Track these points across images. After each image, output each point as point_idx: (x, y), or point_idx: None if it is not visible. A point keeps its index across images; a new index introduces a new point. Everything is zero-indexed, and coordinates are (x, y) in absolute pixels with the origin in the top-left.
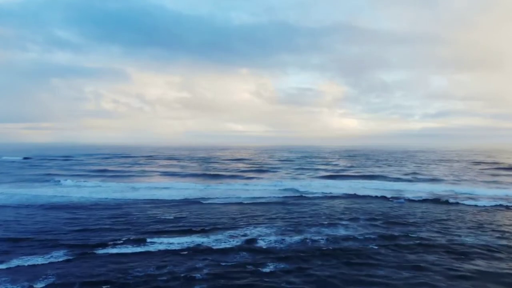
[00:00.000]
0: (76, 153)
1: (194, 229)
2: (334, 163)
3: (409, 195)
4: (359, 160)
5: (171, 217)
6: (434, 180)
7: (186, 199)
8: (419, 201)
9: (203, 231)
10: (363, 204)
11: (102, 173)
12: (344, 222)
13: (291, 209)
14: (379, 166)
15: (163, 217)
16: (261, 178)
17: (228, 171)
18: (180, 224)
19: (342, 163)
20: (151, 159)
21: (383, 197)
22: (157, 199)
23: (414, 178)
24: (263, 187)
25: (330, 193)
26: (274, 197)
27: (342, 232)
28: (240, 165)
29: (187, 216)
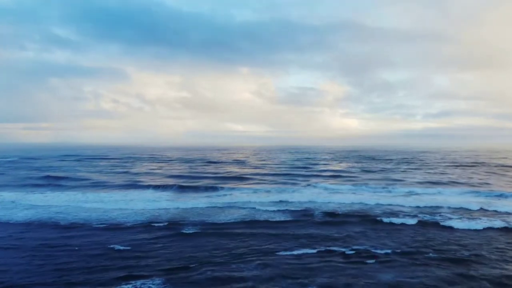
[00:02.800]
0: (59, 154)
1: (150, 275)
2: (339, 166)
3: (448, 214)
4: (366, 162)
5: (129, 247)
6: (467, 191)
7: (151, 221)
8: (474, 229)
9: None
10: (394, 231)
11: (48, 181)
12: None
13: (300, 240)
14: (393, 171)
15: (116, 248)
16: (257, 186)
17: (218, 178)
18: (131, 263)
19: (348, 165)
20: (135, 161)
21: (419, 221)
22: (113, 222)
23: (444, 187)
24: (258, 201)
25: (341, 209)
26: (272, 219)
27: None
28: (235, 169)
29: (143, 251)
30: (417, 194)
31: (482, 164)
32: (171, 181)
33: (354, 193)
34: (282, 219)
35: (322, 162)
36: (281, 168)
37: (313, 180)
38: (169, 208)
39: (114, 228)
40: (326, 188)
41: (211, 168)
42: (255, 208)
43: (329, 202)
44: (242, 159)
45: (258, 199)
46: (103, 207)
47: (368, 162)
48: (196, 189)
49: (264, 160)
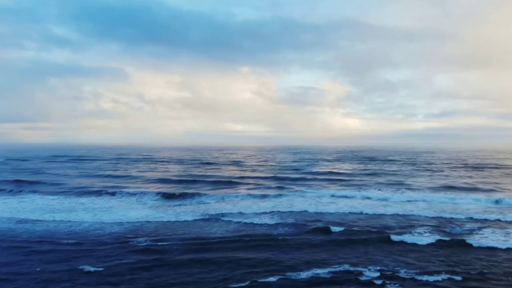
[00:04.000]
0: (51, 154)
1: None
2: (342, 168)
3: (473, 226)
4: (370, 164)
5: (101, 269)
6: (488, 198)
7: (129, 237)
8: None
9: None
10: (415, 250)
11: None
12: None
13: (306, 262)
14: (399, 173)
15: (86, 270)
16: (255, 192)
17: (211, 183)
18: None
19: (351, 167)
20: (127, 162)
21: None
22: (85, 236)
23: (460, 193)
24: (255, 211)
25: (349, 219)
26: (271, 234)
27: None
28: (231, 172)
29: (115, 281)
30: (432, 201)
31: (493, 165)
32: (158, 187)
33: (361, 199)
34: (282, 233)
35: (324, 164)
36: (281, 170)
37: (316, 183)
38: (151, 221)
39: (84, 245)
40: (330, 195)
41: (205, 171)
42: (251, 220)
43: (335, 212)
44: (241, 160)
45: (255, 208)
46: (75, 217)
47: (372, 164)
48: (184, 196)
49: (263, 162)
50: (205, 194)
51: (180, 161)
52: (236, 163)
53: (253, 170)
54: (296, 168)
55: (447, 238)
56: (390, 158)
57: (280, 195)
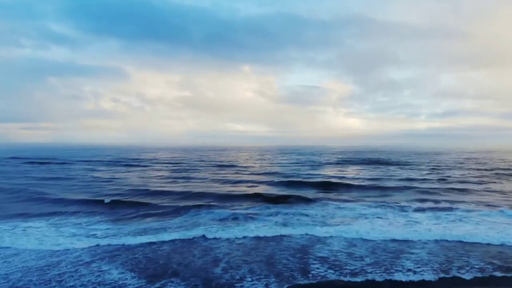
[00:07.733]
0: (8, 156)
1: None
2: (356, 176)
3: None
4: (382, 168)
5: None
6: None
7: None
8: None
9: None
10: None
11: None
12: None
13: None
14: (427, 184)
15: None
16: (234, 226)
17: (169, 209)
18: None
19: (367, 174)
20: (88, 167)
21: None
22: None
23: None
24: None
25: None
26: None
27: None
28: (215, 186)
29: None
30: None
31: None
32: (97, 213)
33: (396, 234)
34: None
35: (330, 169)
36: (279, 180)
37: (322, 203)
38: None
39: None
40: (347, 226)
41: (182, 181)
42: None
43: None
44: (235, 164)
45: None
46: None
47: (385, 168)
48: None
49: (259, 166)
50: (156, 228)
51: (164, 166)
52: (228, 167)
53: (246, 181)
54: (296, 176)
55: None
56: (403, 160)
57: (275, 236)
